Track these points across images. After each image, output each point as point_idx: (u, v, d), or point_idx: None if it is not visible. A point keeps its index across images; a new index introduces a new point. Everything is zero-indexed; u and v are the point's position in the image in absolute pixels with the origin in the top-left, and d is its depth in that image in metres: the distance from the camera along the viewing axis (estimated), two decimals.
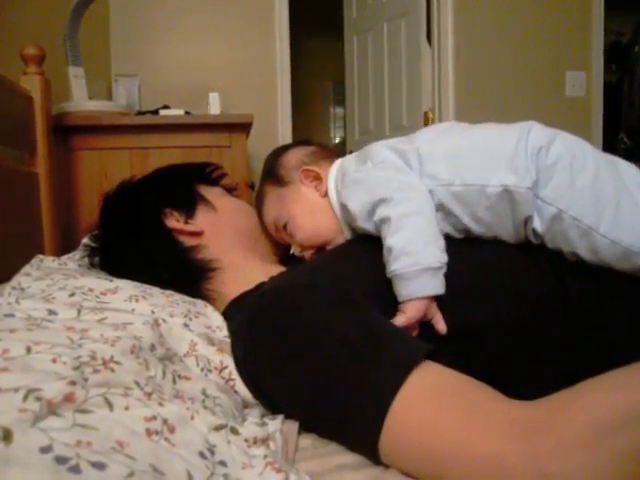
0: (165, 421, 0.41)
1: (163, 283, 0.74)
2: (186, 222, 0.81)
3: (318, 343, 0.52)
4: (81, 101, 1.57)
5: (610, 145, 2.94)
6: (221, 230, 0.82)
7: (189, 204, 0.83)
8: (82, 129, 1.52)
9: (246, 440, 0.47)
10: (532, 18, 2.70)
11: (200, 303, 0.74)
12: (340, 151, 0.85)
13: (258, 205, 0.83)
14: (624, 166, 0.62)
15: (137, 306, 0.65)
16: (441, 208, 0.63)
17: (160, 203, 0.82)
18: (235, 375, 0.60)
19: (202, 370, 0.59)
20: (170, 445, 0.40)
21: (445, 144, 0.66)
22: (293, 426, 0.54)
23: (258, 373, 0.58)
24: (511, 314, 0.59)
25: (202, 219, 0.82)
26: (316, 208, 0.76)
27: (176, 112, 1.74)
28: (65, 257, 0.92)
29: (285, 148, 0.83)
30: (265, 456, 0.45)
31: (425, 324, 0.57)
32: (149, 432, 0.39)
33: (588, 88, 2.78)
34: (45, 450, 0.32)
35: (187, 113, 1.73)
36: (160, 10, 2.49)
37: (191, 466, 0.38)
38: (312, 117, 4.93)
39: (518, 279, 0.61)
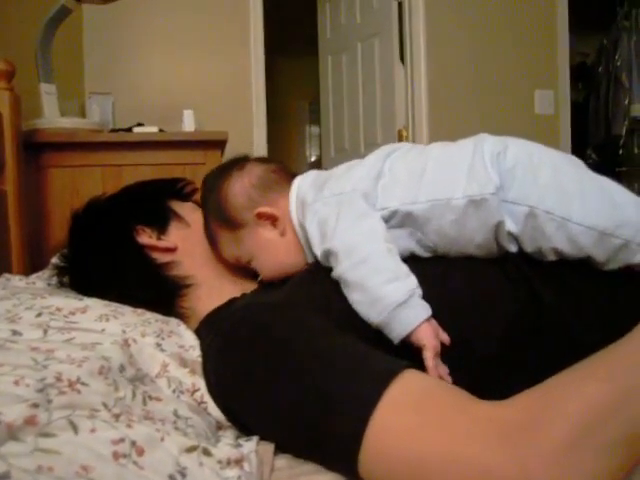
0: (134, 443, 0.40)
1: (136, 301, 0.72)
2: (159, 238, 0.79)
3: (290, 360, 0.51)
4: (53, 118, 1.55)
5: None
6: (195, 245, 0.81)
7: (161, 220, 0.81)
8: (54, 146, 1.48)
9: (219, 462, 0.46)
10: (502, 39, 2.79)
11: (173, 321, 0.73)
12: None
13: (211, 241, 0.78)
14: (578, 159, 0.65)
15: (107, 326, 0.63)
16: (407, 225, 0.63)
17: (131, 220, 0.80)
18: (207, 398, 0.59)
19: (174, 392, 0.58)
20: (138, 468, 0.38)
21: (407, 164, 0.66)
22: (269, 447, 0.53)
23: (230, 395, 0.57)
24: (488, 331, 0.59)
25: (175, 234, 0.81)
26: (278, 246, 0.74)
27: (150, 129, 1.72)
28: (34, 276, 0.90)
29: (225, 177, 0.75)
30: (239, 477, 0.44)
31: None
32: (116, 455, 0.38)
33: (556, 106, 2.88)
34: (3, 477, 0.31)
35: (161, 130, 1.72)
36: (134, 27, 2.49)
37: None
38: (288, 135, 4.96)
39: (493, 295, 0.61)
